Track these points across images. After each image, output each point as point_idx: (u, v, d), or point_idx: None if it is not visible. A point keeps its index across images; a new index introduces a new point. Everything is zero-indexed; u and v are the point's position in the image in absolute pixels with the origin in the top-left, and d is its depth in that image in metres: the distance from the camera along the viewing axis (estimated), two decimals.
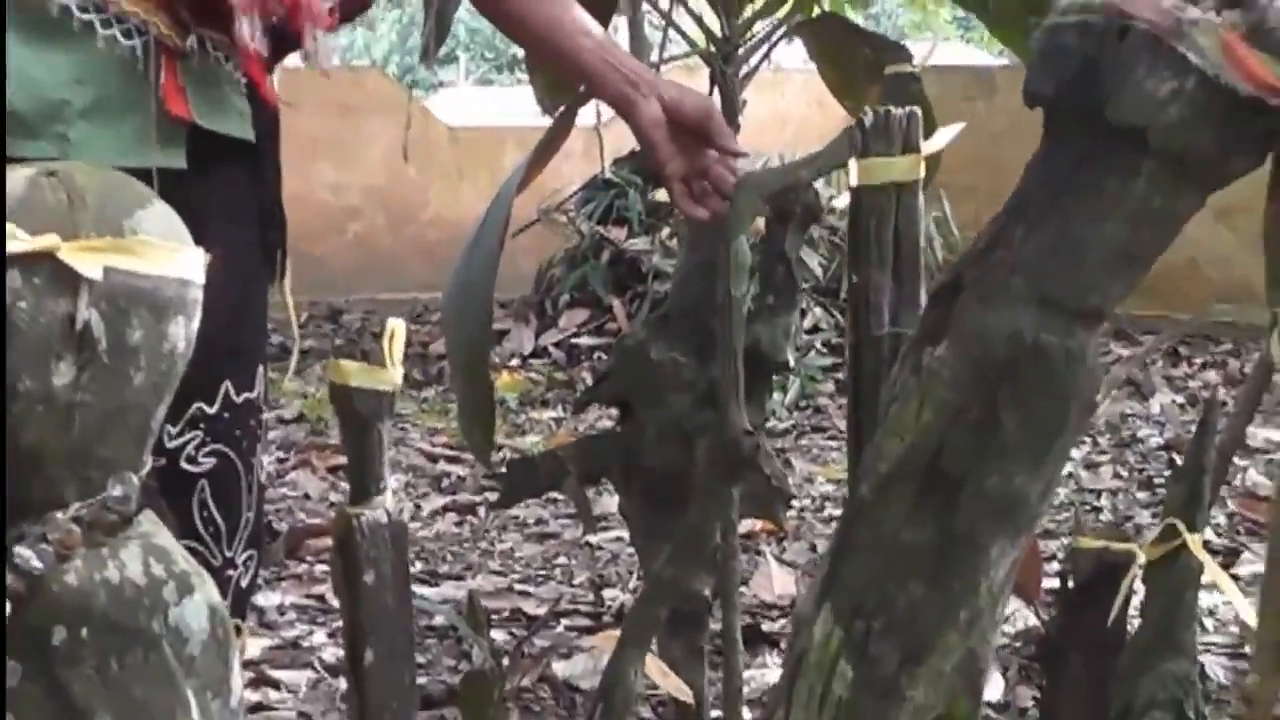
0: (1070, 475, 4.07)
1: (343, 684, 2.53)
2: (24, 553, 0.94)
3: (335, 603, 3.21)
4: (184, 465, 1.58)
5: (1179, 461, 2.48)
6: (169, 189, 1.34)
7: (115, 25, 1.47)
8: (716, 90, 2.06)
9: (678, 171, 1.63)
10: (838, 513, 3.52)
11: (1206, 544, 1.88)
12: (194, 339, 1.01)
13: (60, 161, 1.08)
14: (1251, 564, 3.38)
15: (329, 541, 1.35)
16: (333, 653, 2.91)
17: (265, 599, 3.27)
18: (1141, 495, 4.08)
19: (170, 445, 1.56)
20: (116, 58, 1.47)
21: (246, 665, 2.09)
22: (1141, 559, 1.91)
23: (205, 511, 1.63)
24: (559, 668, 2.79)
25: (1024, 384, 0.63)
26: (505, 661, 2.63)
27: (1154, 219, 0.64)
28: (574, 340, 5.94)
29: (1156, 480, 4.19)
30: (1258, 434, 4.35)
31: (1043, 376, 0.63)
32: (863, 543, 0.71)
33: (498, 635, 2.92)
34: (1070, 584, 1.96)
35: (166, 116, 1.50)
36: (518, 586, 3.39)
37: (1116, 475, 4.29)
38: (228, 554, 1.66)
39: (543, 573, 3.51)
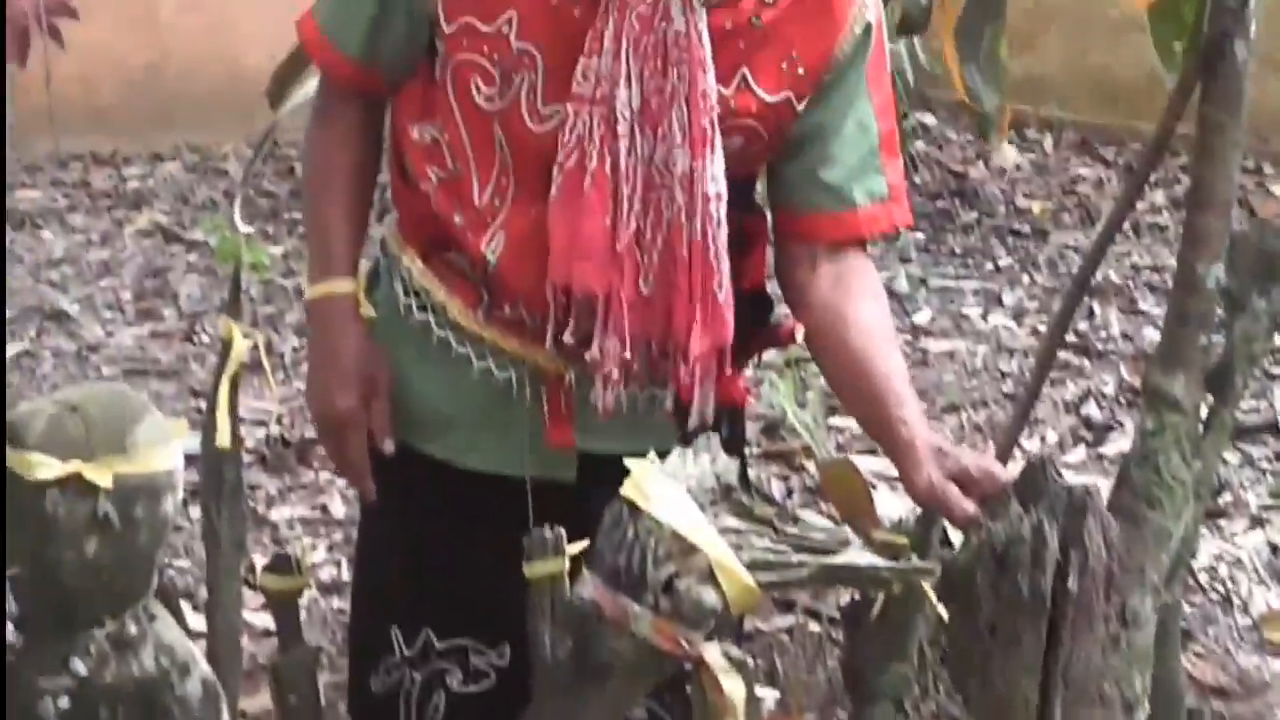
0: None
1: (336, 604, 2.98)
2: (76, 662, 1.42)
3: (337, 513, 3.59)
4: None
5: None
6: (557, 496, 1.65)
7: (490, 359, 1.66)
8: None
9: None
10: None
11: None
12: (179, 505, 1.46)
13: (76, 392, 1.47)
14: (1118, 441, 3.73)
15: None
16: (328, 572, 3.37)
17: (277, 513, 3.70)
18: None
19: None
20: (492, 385, 1.67)
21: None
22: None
23: None
24: None
25: None
26: None
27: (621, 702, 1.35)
28: None
29: None
30: None
31: None
32: None
33: None
34: None
35: (550, 439, 1.68)
36: None
37: None
38: None
39: None
